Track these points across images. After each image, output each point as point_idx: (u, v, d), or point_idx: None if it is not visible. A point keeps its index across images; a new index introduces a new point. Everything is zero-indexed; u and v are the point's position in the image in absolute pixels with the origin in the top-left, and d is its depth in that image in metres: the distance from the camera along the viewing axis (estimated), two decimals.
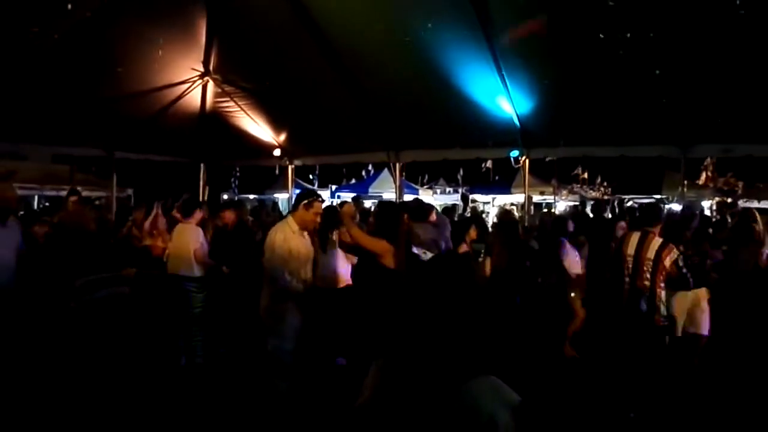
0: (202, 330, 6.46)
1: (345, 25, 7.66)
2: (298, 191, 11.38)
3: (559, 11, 6.44)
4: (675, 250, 5.16)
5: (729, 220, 7.82)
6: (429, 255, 5.71)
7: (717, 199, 16.53)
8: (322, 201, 5.14)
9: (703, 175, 19.56)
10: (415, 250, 5.35)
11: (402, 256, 4.37)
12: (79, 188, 12.36)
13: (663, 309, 5.16)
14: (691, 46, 6.46)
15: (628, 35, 6.49)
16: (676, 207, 12.46)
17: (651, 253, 5.20)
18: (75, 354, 5.03)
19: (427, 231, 6.28)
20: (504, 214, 10.31)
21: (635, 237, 5.41)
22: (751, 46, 6.21)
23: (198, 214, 6.71)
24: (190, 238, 6.47)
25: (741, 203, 14.91)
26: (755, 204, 16.97)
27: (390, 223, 4.55)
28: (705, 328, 6.00)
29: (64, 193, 12.95)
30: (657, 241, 5.24)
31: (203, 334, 6.49)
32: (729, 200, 15.22)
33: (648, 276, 5.18)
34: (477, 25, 6.85)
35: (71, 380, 4.97)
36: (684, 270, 5.13)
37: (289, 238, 4.81)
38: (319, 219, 5.03)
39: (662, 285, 5.13)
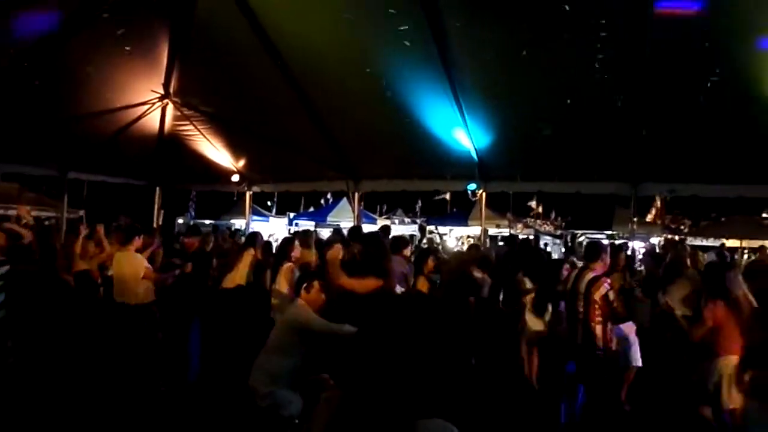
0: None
1: (306, 53, 7.68)
2: (255, 217, 11.24)
3: (517, 46, 6.63)
4: (606, 284, 5.31)
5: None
6: (400, 289, 5.74)
7: (665, 236, 17.12)
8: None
9: (652, 213, 20.26)
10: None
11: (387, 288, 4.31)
12: (27, 207, 11.94)
13: (599, 342, 5.27)
14: (644, 91, 6.78)
15: (584, 75, 6.75)
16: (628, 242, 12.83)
17: (583, 288, 5.40)
18: None
19: (399, 264, 6.31)
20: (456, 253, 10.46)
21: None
22: (696, 96, 6.54)
23: (137, 242, 6.60)
24: (135, 266, 6.39)
25: (688, 241, 15.47)
26: (700, 242, 17.66)
27: (379, 260, 4.52)
28: (636, 360, 6.22)
29: (12, 212, 12.52)
30: (589, 276, 5.44)
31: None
32: (677, 237, 15.78)
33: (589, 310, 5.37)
34: (437, 58, 6.98)
35: None
36: (614, 305, 5.27)
37: None
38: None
39: (597, 319, 5.27)
